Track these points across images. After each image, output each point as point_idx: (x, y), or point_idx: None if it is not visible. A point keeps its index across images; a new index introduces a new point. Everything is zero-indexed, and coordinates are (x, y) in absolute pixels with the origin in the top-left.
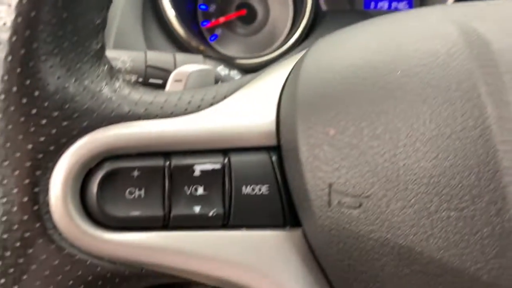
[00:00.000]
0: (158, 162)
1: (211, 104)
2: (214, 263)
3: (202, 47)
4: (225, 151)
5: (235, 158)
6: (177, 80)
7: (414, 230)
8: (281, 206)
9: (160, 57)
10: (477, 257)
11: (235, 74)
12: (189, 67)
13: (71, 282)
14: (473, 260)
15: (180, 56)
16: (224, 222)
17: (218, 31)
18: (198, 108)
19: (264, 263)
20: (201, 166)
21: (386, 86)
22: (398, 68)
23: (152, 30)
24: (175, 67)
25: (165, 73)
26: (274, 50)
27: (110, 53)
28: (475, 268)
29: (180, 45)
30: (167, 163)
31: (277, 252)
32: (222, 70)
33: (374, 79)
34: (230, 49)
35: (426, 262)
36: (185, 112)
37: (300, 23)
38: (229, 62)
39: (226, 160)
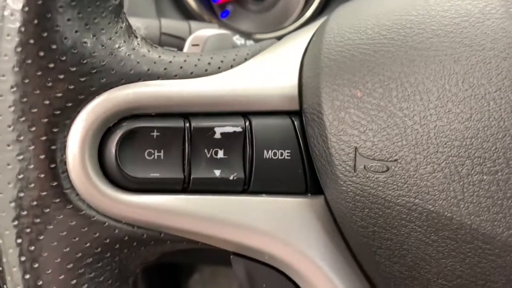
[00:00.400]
0: (178, 123)
1: (232, 66)
2: (233, 229)
3: (214, 21)
4: (245, 115)
5: (257, 122)
6: (194, 45)
7: (444, 195)
8: (303, 173)
9: (175, 25)
10: (511, 222)
11: (251, 44)
12: (207, 31)
13: (88, 244)
14: (506, 225)
15: (195, 24)
16: (244, 188)
17: (229, 8)
18: (219, 70)
19: (284, 230)
20: (222, 128)
21: (416, 46)
22: (428, 28)
23: (164, 2)
24: (190, 35)
25: (180, 41)
26: (289, 25)
27: None
28: (508, 234)
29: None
30: (187, 124)
31: (298, 219)
32: (238, 39)
33: (403, 39)
34: (242, 26)
35: (456, 228)
36: (206, 73)
37: None
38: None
39: (247, 124)
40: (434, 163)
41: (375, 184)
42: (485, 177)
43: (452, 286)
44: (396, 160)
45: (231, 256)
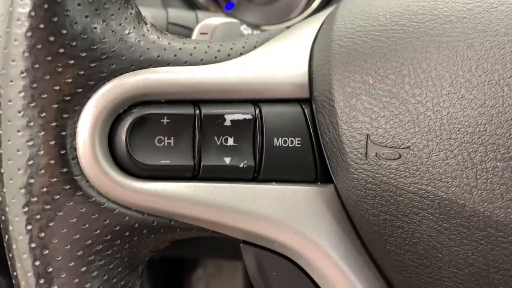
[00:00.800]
0: (188, 110)
1: (241, 54)
2: (243, 216)
3: (220, 12)
4: (255, 102)
5: (267, 109)
6: (202, 33)
7: (456, 181)
8: (314, 161)
9: (182, 14)
10: None
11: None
12: (215, 19)
13: (98, 231)
14: None
15: (202, 14)
16: (254, 175)
17: (234, 0)
18: (228, 57)
19: (294, 219)
20: (232, 116)
21: (429, 32)
22: (441, 14)
23: None
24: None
25: (187, 31)
26: (294, 17)
27: None
28: None
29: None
30: (197, 111)
31: (308, 208)
32: (245, 29)
33: (415, 25)
34: (247, 19)
35: (469, 215)
36: (215, 60)
37: None
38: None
39: (257, 111)
40: (447, 149)
41: (387, 172)
42: (498, 163)
43: (464, 274)
44: (408, 147)
45: (241, 245)
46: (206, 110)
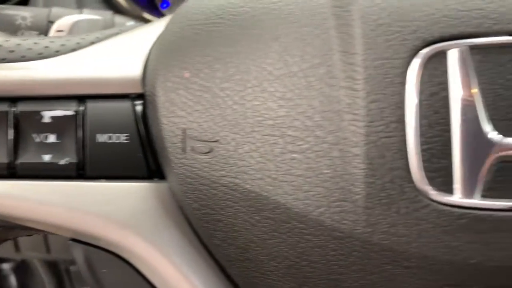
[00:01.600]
0: (2, 107)
1: (73, 50)
2: (65, 214)
3: (145, 14)
4: (82, 98)
5: (93, 105)
6: (59, 30)
7: (260, 174)
8: (144, 157)
9: (65, 13)
10: (320, 200)
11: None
12: (73, 17)
13: None
14: (316, 204)
15: (87, 12)
16: (80, 172)
17: None
18: (56, 53)
19: (123, 215)
20: (51, 112)
21: (242, 25)
22: (256, 6)
23: None
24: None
25: None
26: None
27: (11, 10)
28: (318, 212)
29: (118, 10)
30: (12, 108)
31: (140, 204)
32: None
33: (233, 18)
34: None
35: (273, 208)
36: (39, 56)
37: None
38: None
39: (81, 107)
40: (251, 142)
41: (202, 165)
42: (295, 155)
43: (282, 268)
44: (217, 140)
45: (69, 241)
46: (23, 107)
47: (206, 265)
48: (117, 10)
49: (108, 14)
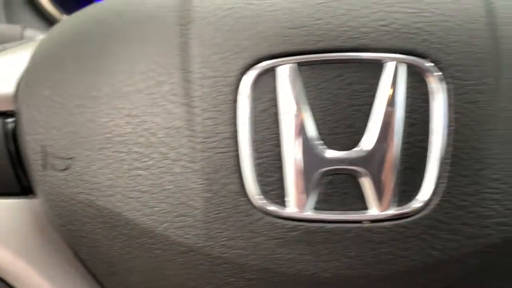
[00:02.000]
0: None
1: None
2: None
3: None
4: None
5: None
6: None
7: (111, 191)
8: (15, 173)
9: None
10: (164, 216)
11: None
12: None
13: None
14: (161, 219)
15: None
16: None
17: None
18: None
19: None
20: None
21: (102, 40)
22: (115, 22)
23: (17, 7)
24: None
25: None
26: None
27: None
28: (163, 227)
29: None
30: None
31: (12, 221)
32: None
33: (95, 33)
34: None
35: (125, 224)
36: None
37: None
38: None
39: None
40: (101, 159)
41: (60, 182)
42: (142, 172)
43: (142, 282)
44: (72, 157)
45: None
46: None
47: (83, 280)
48: (45, 17)
49: (17, 28)
